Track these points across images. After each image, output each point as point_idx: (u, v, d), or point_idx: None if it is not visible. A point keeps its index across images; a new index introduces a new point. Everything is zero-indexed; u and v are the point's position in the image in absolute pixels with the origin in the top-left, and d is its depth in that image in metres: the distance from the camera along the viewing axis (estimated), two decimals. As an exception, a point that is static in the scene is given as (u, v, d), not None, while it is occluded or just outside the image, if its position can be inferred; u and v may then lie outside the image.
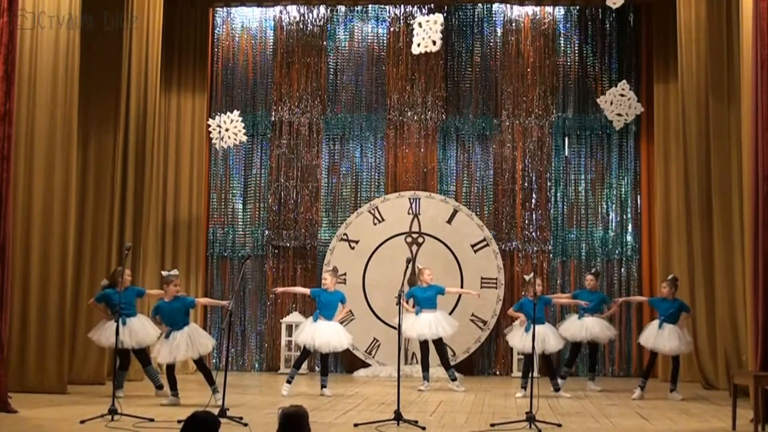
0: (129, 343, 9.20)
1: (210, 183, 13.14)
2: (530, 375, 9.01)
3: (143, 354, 9.47)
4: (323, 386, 9.76)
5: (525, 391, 9.70)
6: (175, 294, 8.95)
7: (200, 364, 8.95)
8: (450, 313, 11.82)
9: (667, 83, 12.10)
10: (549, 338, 9.93)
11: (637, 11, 12.90)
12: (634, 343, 12.35)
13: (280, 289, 10.98)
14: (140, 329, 9.35)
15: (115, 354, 8.68)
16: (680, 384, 9.87)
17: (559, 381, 10.19)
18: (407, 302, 10.51)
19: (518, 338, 10.19)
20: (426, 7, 12.85)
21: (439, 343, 10.56)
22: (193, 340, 8.81)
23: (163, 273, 9.38)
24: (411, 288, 10.67)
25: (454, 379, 10.56)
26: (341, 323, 10.16)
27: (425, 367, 10.58)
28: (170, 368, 8.87)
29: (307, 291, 10.46)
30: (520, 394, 9.87)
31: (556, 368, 10.44)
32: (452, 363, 12.04)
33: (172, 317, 8.88)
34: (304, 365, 12.11)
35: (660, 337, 9.73)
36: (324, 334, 9.77)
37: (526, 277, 10.16)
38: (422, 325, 10.37)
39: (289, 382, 9.76)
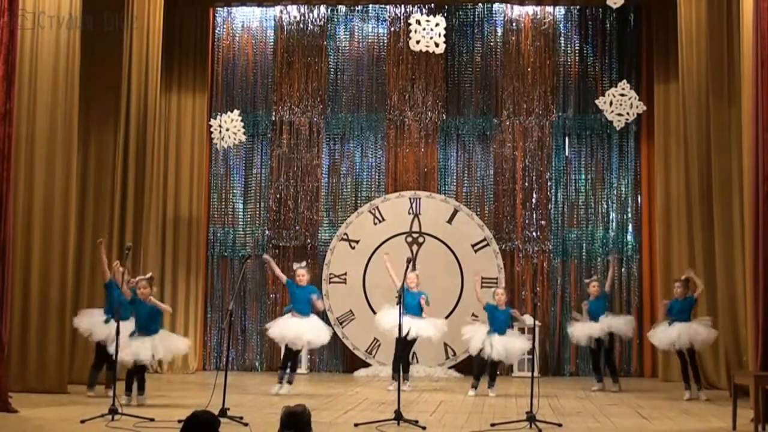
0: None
1: (210, 183, 13.15)
2: (532, 375, 9.04)
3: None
4: (288, 382, 9.73)
5: (476, 390, 9.88)
6: (143, 297, 8.81)
7: (142, 370, 8.79)
8: (450, 313, 11.85)
9: (667, 83, 12.11)
10: (511, 346, 9.99)
11: (637, 11, 12.90)
12: (635, 343, 12.36)
13: (270, 260, 10.32)
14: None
15: (117, 352, 8.59)
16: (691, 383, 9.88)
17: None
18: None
19: (476, 342, 10.17)
20: (426, 7, 12.85)
21: (410, 344, 10.38)
22: (156, 347, 8.71)
23: (139, 278, 9.24)
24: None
25: (406, 380, 10.29)
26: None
27: (396, 367, 10.31)
28: (141, 369, 8.76)
29: (284, 279, 10.14)
30: (473, 393, 9.91)
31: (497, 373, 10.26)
32: (452, 363, 12.11)
33: (148, 322, 8.77)
34: (305, 365, 12.16)
35: (668, 335, 9.81)
36: (295, 329, 9.72)
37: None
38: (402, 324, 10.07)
39: (280, 381, 9.76)
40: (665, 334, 9.90)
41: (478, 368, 10.13)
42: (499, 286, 10.71)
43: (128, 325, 8.94)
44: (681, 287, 9.96)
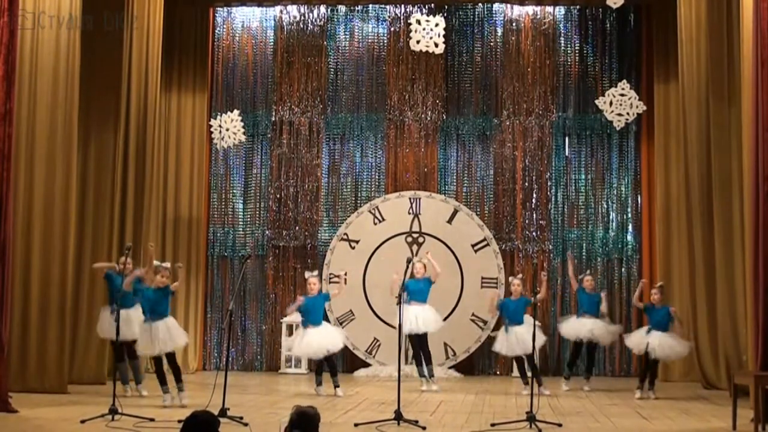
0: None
1: (210, 183, 13.15)
2: (531, 374, 9.08)
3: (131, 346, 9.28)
4: (336, 386, 9.73)
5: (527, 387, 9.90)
6: (160, 285, 8.85)
7: (172, 359, 8.79)
8: (450, 313, 11.86)
9: (667, 83, 12.11)
10: (527, 339, 10.01)
11: (637, 11, 12.90)
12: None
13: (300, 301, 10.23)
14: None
15: (121, 346, 8.61)
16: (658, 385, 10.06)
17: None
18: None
19: (500, 341, 10.29)
20: (426, 7, 12.85)
21: (423, 339, 10.44)
22: (171, 334, 8.72)
23: (156, 263, 9.26)
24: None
25: (431, 376, 10.42)
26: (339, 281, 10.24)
27: (419, 362, 10.47)
28: (159, 362, 8.76)
29: (294, 311, 10.15)
30: (527, 391, 9.98)
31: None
32: (452, 363, 12.09)
33: (156, 305, 8.75)
34: (305, 365, 12.15)
35: (644, 342, 9.90)
36: (315, 340, 9.73)
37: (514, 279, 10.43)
38: (408, 318, 10.04)
39: (319, 384, 9.84)
40: (641, 340, 9.97)
41: (519, 366, 10.39)
42: (516, 276, 10.66)
43: (132, 313, 8.94)
44: (657, 293, 10.01)
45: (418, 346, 10.44)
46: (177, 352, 9.08)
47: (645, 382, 9.86)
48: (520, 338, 9.98)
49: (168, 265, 9.24)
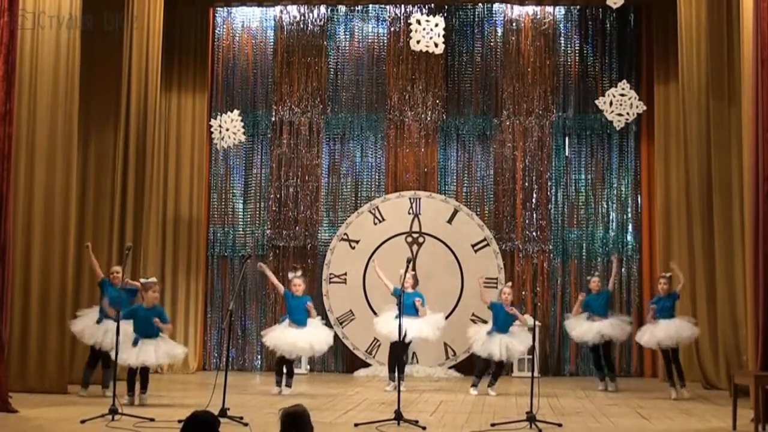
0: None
1: (210, 183, 13.15)
2: (532, 375, 9.05)
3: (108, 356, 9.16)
4: (287, 385, 9.73)
5: (477, 388, 9.93)
6: (154, 301, 8.88)
7: (146, 370, 8.79)
8: (450, 314, 11.85)
9: (667, 83, 12.11)
10: (513, 346, 9.98)
11: (637, 11, 12.91)
12: (635, 343, 12.34)
13: (265, 268, 10.31)
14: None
15: (114, 354, 8.59)
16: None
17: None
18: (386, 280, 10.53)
19: (480, 342, 10.16)
20: (426, 7, 12.85)
21: (405, 347, 10.32)
22: (158, 350, 8.71)
23: (142, 281, 9.26)
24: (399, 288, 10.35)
25: (392, 380, 10.24)
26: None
27: (392, 368, 10.28)
28: (133, 371, 8.74)
29: (281, 289, 10.14)
30: (475, 392, 9.94)
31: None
32: (452, 363, 12.11)
33: (146, 325, 8.75)
34: (305, 365, 12.13)
35: (655, 334, 9.85)
36: (291, 340, 9.70)
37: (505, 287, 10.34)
38: (394, 328, 9.67)
39: (278, 386, 9.77)
40: (652, 333, 9.94)
41: (481, 367, 10.14)
42: (507, 285, 10.61)
43: (125, 326, 8.90)
44: (666, 283, 10.02)
45: (396, 351, 10.23)
46: (175, 363, 9.05)
47: (674, 379, 9.79)
48: (503, 345, 9.91)
49: (155, 279, 9.26)
